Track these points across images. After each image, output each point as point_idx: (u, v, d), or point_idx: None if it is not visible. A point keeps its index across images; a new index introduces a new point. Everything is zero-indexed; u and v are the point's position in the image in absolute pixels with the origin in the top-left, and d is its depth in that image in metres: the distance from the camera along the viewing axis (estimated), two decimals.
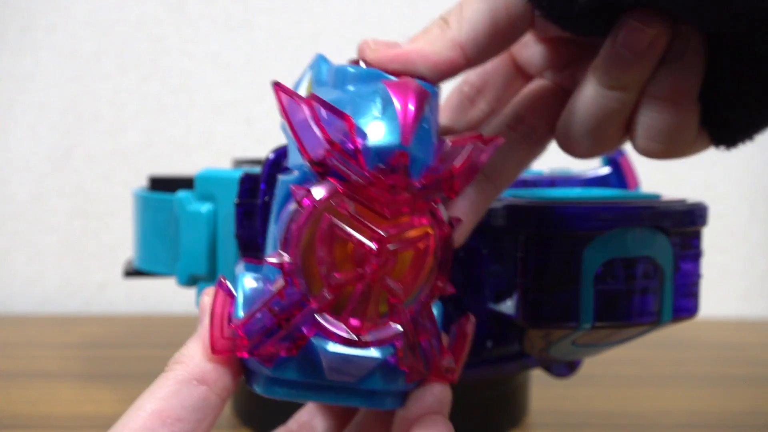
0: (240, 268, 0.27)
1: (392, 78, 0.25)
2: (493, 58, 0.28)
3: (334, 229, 0.24)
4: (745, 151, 0.92)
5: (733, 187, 0.86)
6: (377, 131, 0.24)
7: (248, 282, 0.25)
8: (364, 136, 0.23)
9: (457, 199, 0.27)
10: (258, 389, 0.26)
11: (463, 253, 0.35)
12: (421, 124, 0.24)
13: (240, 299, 0.25)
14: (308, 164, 0.24)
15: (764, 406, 0.51)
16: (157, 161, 0.82)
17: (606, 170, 0.42)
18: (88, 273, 0.83)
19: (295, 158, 0.26)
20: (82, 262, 0.83)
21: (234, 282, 0.26)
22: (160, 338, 0.67)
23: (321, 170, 0.24)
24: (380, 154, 0.23)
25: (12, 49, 0.79)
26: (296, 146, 0.24)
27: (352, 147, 0.23)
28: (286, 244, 0.24)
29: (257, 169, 0.35)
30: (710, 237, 0.85)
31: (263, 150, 0.91)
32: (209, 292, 0.27)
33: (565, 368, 0.41)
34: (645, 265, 0.30)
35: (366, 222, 0.24)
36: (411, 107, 0.24)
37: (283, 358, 0.24)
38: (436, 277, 0.25)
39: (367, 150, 0.23)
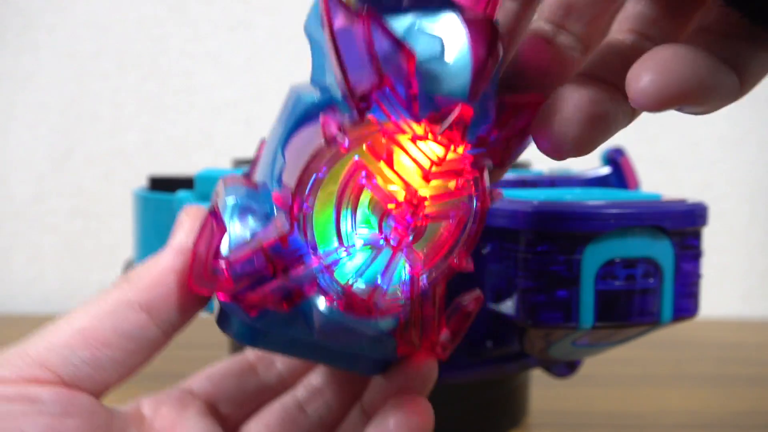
0: (224, 191, 0.23)
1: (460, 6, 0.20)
2: None
3: (364, 180, 0.20)
4: (745, 151, 0.92)
5: (733, 187, 0.86)
6: (442, 75, 0.19)
7: (241, 215, 0.21)
8: (423, 78, 0.19)
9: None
10: (232, 335, 0.23)
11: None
12: (492, 76, 0.20)
13: (230, 234, 0.21)
14: (346, 92, 0.19)
15: (764, 406, 0.51)
16: (157, 161, 0.82)
17: (606, 170, 0.42)
18: (88, 273, 0.83)
19: (322, 75, 0.21)
20: (82, 262, 0.83)
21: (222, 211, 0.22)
22: None
23: (361, 105, 0.19)
24: (439, 104, 0.19)
25: (12, 49, 0.79)
26: (334, 67, 0.19)
27: (407, 90, 0.19)
28: (300, 186, 0.20)
29: None
30: (710, 237, 0.85)
31: None
32: (192, 211, 0.23)
33: (565, 368, 0.41)
34: (645, 266, 0.30)
35: (403, 178, 0.20)
36: (484, 52, 0.19)
37: (269, 312, 0.21)
38: (459, 252, 0.22)
39: (425, 97, 0.19)
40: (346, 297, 0.21)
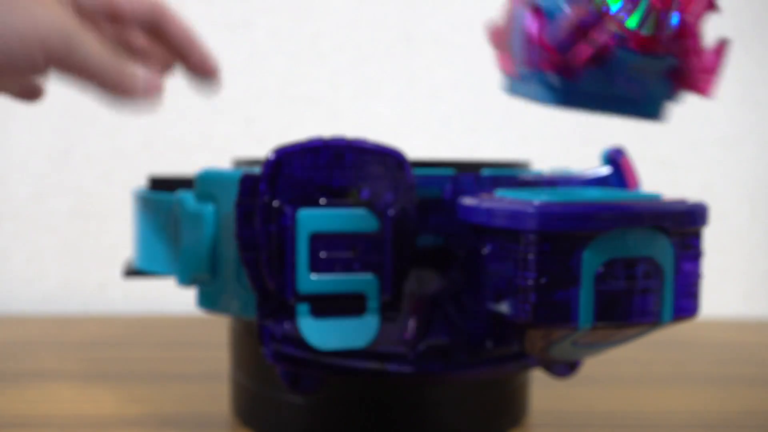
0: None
1: None
2: None
3: None
4: (745, 151, 0.92)
5: (734, 187, 0.86)
6: None
7: (550, 6, 0.28)
8: None
9: None
10: (554, 103, 0.28)
11: (463, 253, 0.35)
12: None
13: (549, 22, 0.28)
14: None
15: (765, 407, 0.51)
16: (157, 161, 0.82)
17: (606, 170, 0.42)
18: (88, 273, 0.83)
19: None
20: (82, 262, 0.83)
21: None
22: (159, 338, 0.67)
23: None
24: None
25: None
26: None
27: None
28: None
29: (257, 170, 0.35)
30: (711, 237, 0.86)
31: (263, 150, 0.92)
32: None
33: (565, 368, 0.41)
34: (645, 266, 0.30)
35: None
36: None
37: (584, 72, 0.27)
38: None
39: None
40: (639, 39, 0.27)
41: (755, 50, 0.85)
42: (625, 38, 0.27)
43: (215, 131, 0.83)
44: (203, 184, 0.40)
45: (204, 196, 0.40)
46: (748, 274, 0.87)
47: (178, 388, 0.53)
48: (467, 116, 0.84)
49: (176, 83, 0.83)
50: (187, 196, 0.40)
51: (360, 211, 0.34)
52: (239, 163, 0.49)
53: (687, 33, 0.28)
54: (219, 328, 0.69)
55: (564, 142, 0.85)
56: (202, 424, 0.46)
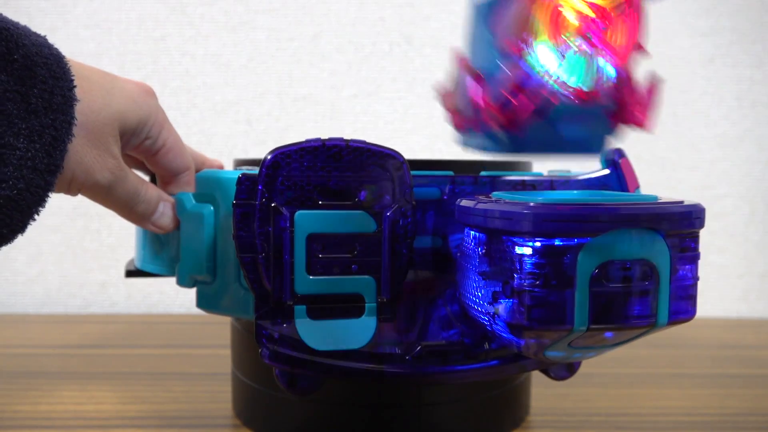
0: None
1: None
2: None
3: (559, 8, 0.28)
4: (744, 151, 0.92)
5: (733, 188, 0.86)
6: None
7: (487, 69, 0.30)
8: None
9: None
10: (503, 152, 0.31)
11: (459, 255, 0.35)
12: None
13: (489, 86, 0.29)
14: None
15: (763, 406, 0.51)
16: None
17: (605, 172, 0.42)
18: (89, 273, 0.83)
19: None
20: (83, 262, 0.83)
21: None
22: (160, 338, 0.67)
23: None
24: None
25: None
26: None
27: None
28: (520, 29, 0.28)
29: (255, 170, 0.35)
30: (709, 237, 0.85)
31: (263, 150, 0.92)
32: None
33: (564, 370, 0.41)
34: (641, 268, 0.30)
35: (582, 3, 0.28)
36: None
37: (529, 125, 0.29)
38: (635, 39, 0.30)
39: None
40: (576, 92, 0.29)
41: (755, 50, 0.85)
42: (565, 94, 0.29)
43: (215, 131, 0.83)
44: (203, 185, 0.41)
45: (204, 197, 0.40)
46: (746, 274, 0.87)
47: (179, 388, 0.53)
48: None
49: (176, 83, 0.83)
50: (187, 197, 0.40)
51: (358, 213, 0.34)
52: (240, 163, 0.49)
53: (623, 81, 0.30)
54: (220, 327, 0.70)
55: None
56: (203, 423, 0.46)
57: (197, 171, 0.43)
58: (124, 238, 0.83)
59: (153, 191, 0.40)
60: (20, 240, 0.34)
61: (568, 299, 0.30)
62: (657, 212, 0.30)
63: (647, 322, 0.31)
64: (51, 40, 0.37)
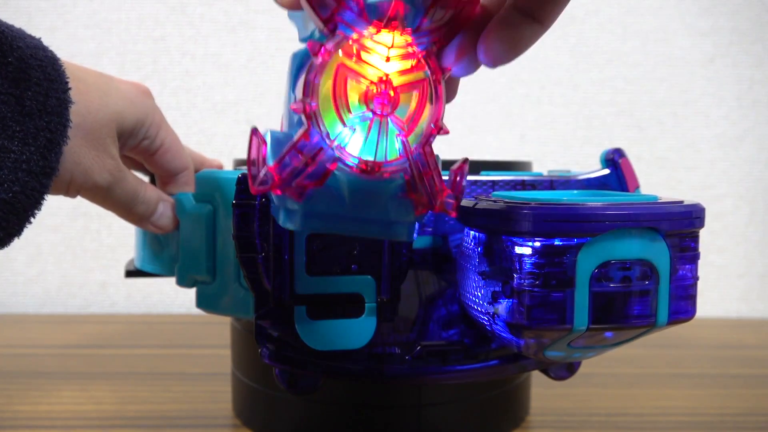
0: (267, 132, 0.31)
1: None
2: None
3: (344, 71, 0.28)
4: (744, 151, 0.92)
5: (733, 188, 0.86)
6: None
7: (276, 133, 0.29)
8: None
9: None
10: (292, 226, 0.29)
11: (459, 254, 0.35)
12: None
13: (270, 145, 0.28)
14: (320, 24, 0.28)
15: (763, 406, 0.51)
16: None
17: (605, 172, 0.42)
18: (89, 273, 0.83)
19: (305, 32, 0.31)
20: (83, 262, 0.83)
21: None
22: (160, 338, 0.67)
23: (329, 26, 0.27)
24: (379, 7, 0.27)
25: None
26: (308, 13, 0.28)
27: (357, 5, 0.27)
28: (306, 92, 0.27)
29: None
30: (709, 237, 0.85)
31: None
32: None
33: (564, 371, 0.41)
34: (641, 268, 0.30)
35: (371, 64, 0.28)
36: None
37: (311, 193, 0.28)
38: (433, 119, 0.29)
39: (368, 5, 0.27)
40: (359, 164, 0.28)
41: (755, 50, 0.85)
42: (347, 163, 0.28)
43: (215, 131, 0.83)
44: (203, 185, 0.41)
45: (203, 197, 0.40)
46: (746, 274, 0.87)
47: (179, 388, 0.53)
48: (467, 116, 0.84)
49: (176, 83, 0.83)
50: (186, 197, 0.40)
51: None
52: (239, 163, 0.49)
53: (415, 158, 0.29)
54: (220, 327, 0.70)
55: (564, 142, 0.85)
56: (203, 423, 0.46)
57: (196, 171, 0.42)
58: (123, 238, 0.83)
59: (152, 192, 0.40)
60: (20, 240, 0.34)
61: (568, 299, 0.30)
62: (657, 212, 0.30)
63: (647, 322, 0.31)
64: (50, 40, 0.37)
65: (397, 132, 0.28)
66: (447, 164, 0.40)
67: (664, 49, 0.84)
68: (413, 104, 0.29)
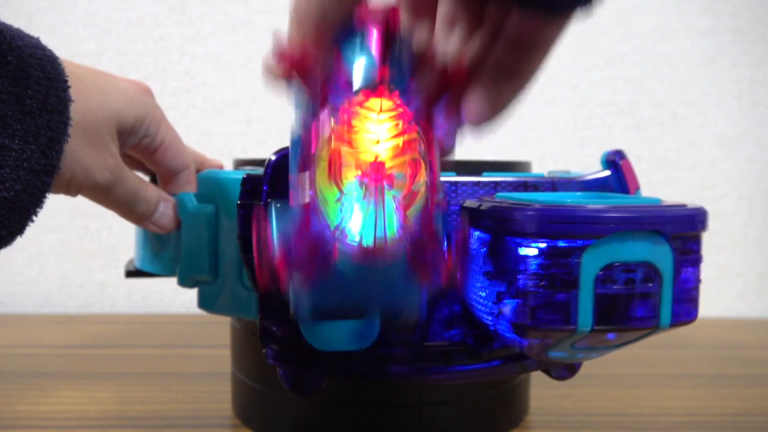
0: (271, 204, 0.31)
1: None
2: None
3: (337, 158, 0.28)
4: (744, 150, 0.92)
5: (732, 187, 0.86)
6: (360, 62, 0.28)
7: (281, 215, 0.29)
8: (351, 67, 0.28)
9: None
10: (305, 318, 0.29)
11: (463, 255, 0.36)
12: (395, 46, 0.29)
13: (275, 230, 0.29)
14: (309, 96, 0.28)
15: (763, 406, 0.51)
16: None
17: (606, 173, 0.42)
18: (89, 273, 0.83)
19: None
20: (83, 262, 0.83)
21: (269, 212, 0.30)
22: (160, 338, 0.67)
23: (320, 100, 0.28)
24: (365, 75, 0.28)
25: None
26: (298, 86, 0.29)
27: (342, 75, 0.28)
28: (302, 183, 0.28)
29: (259, 171, 0.35)
30: (709, 237, 0.85)
31: (263, 150, 0.92)
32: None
33: (565, 371, 0.41)
34: (644, 270, 0.30)
35: (362, 144, 0.28)
36: (378, 37, 0.28)
37: (320, 288, 0.28)
38: (430, 189, 0.29)
39: (354, 74, 0.28)
40: (360, 250, 0.27)
41: (755, 50, 0.85)
42: (347, 252, 0.27)
43: (215, 131, 0.83)
44: (204, 185, 0.41)
45: (205, 197, 0.40)
46: (745, 274, 0.87)
47: (178, 388, 0.53)
48: None
49: (176, 83, 0.83)
50: (188, 197, 0.40)
51: None
52: (239, 163, 0.49)
53: (414, 236, 0.28)
54: (220, 327, 0.70)
55: (564, 143, 0.85)
56: (203, 423, 0.46)
57: (197, 171, 0.42)
58: (123, 238, 0.83)
59: (153, 191, 0.40)
60: (20, 240, 0.34)
61: (573, 300, 0.30)
62: (661, 215, 0.30)
63: (650, 324, 0.31)
64: (50, 40, 0.37)
65: (396, 215, 0.28)
66: (447, 164, 0.40)
67: (664, 49, 0.84)
68: (407, 184, 0.28)
